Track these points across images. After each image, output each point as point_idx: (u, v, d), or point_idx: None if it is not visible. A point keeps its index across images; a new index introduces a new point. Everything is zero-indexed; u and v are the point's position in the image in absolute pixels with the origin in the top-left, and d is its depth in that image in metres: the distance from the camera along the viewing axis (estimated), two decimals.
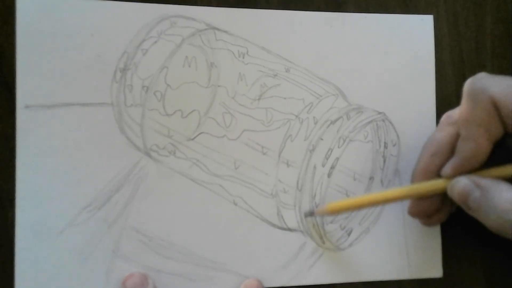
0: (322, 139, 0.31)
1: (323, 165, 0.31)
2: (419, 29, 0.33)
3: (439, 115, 0.33)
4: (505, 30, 0.35)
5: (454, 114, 0.29)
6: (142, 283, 0.28)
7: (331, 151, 0.31)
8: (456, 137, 0.28)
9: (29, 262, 0.28)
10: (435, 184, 0.29)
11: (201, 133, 0.30)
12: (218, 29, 0.31)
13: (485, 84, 0.26)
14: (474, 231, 0.33)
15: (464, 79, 0.34)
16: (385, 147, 0.33)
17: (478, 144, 0.26)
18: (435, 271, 0.33)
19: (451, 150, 0.29)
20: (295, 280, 0.31)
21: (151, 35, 0.30)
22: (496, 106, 0.26)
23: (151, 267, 0.29)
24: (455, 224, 0.33)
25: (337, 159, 0.31)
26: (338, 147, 0.31)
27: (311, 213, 0.30)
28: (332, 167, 0.31)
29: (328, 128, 0.31)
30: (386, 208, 0.32)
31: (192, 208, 0.30)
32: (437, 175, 0.29)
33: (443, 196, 0.29)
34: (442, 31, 0.34)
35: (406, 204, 0.32)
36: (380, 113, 0.32)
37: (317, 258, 0.31)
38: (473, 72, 0.34)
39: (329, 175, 0.31)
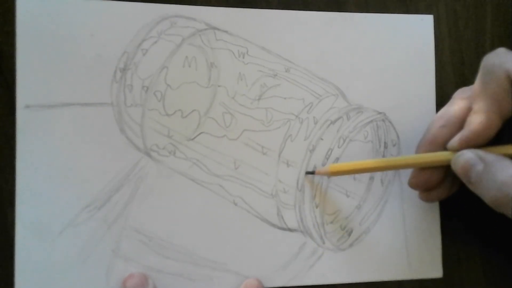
0: (322, 139, 0.31)
1: (323, 165, 0.31)
2: (419, 29, 0.33)
3: None
4: (505, 30, 0.35)
5: (467, 89, 0.29)
6: (142, 283, 0.28)
7: (331, 151, 0.31)
8: (467, 111, 0.28)
9: (29, 262, 0.28)
10: (440, 156, 0.28)
11: (201, 133, 0.30)
12: (218, 29, 0.31)
13: (502, 59, 0.26)
14: (474, 231, 0.33)
15: (464, 79, 0.34)
16: (385, 147, 0.33)
17: (489, 118, 0.26)
18: (435, 271, 0.33)
19: (461, 124, 0.28)
20: (295, 280, 0.31)
21: (151, 35, 0.30)
22: (511, 82, 0.25)
23: (151, 267, 0.29)
24: (455, 224, 0.33)
25: (337, 159, 0.31)
26: (338, 147, 0.31)
27: (312, 172, 0.30)
28: None
29: (328, 128, 0.31)
30: (386, 208, 0.32)
31: (192, 208, 0.30)
32: (444, 148, 0.29)
33: (445, 170, 0.29)
34: (442, 31, 0.34)
35: (407, 204, 0.32)
36: (380, 113, 0.32)
37: (317, 258, 0.31)
38: (473, 72, 0.34)
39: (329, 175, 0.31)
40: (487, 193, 0.26)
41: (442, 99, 0.33)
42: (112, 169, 0.29)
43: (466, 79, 0.34)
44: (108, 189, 0.29)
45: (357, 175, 0.32)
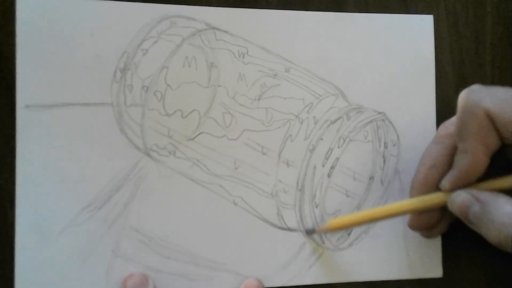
0: (322, 139, 0.31)
1: (323, 165, 0.31)
2: (419, 29, 0.33)
3: (439, 115, 0.33)
4: (505, 30, 0.35)
5: (450, 125, 0.29)
6: (143, 283, 0.28)
7: (331, 151, 0.31)
8: (453, 148, 0.28)
9: (29, 262, 0.28)
10: (435, 198, 0.29)
11: (201, 133, 0.30)
12: (218, 29, 0.31)
13: (479, 97, 0.26)
14: (474, 231, 0.33)
15: (464, 79, 0.34)
16: (385, 147, 0.33)
17: (475, 157, 0.26)
18: (435, 271, 0.33)
19: (449, 162, 0.28)
20: (295, 280, 0.31)
21: (151, 35, 0.30)
22: (491, 119, 0.25)
23: (151, 267, 0.29)
24: (455, 224, 0.33)
25: (337, 159, 0.31)
26: (338, 147, 0.31)
27: (312, 231, 0.31)
28: (332, 167, 0.31)
29: (328, 128, 0.31)
30: None
31: (192, 208, 0.30)
32: (437, 187, 0.29)
33: (443, 209, 0.29)
34: (442, 31, 0.34)
35: None
36: (380, 113, 0.32)
37: (317, 258, 0.31)
38: (473, 72, 0.34)
39: (329, 175, 0.31)
40: (488, 233, 0.26)
41: (442, 99, 0.33)
42: (112, 169, 0.29)
43: (466, 79, 0.34)
44: (108, 189, 0.29)
45: (356, 175, 0.32)
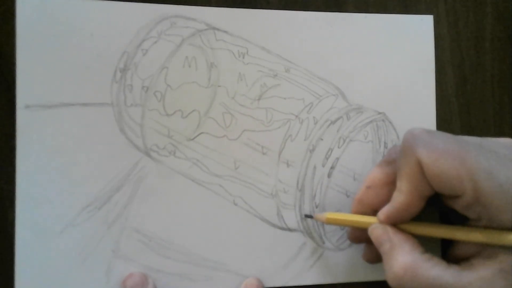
0: (322, 139, 0.31)
1: (323, 165, 0.31)
2: (419, 29, 0.33)
3: (439, 115, 0.33)
4: (505, 30, 0.35)
5: (396, 152, 0.29)
6: (142, 282, 0.28)
7: (331, 151, 0.31)
8: (392, 176, 0.28)
9: (29, 262, 0.28)
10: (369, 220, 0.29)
11: (201, 133, 0.30)
12: (218, 29, 0.31)
13: (414, 143, 0.25)
14: None
15: (464, 79, 0.34)
16: (385, 147, 0.33)
17: (408, 199, 0.26)
18: None
19: (384, 187, 0.28)
20: (295, 280, 0.31)
21: (151, 35, 0.30)
22: (421, 168, 0.25)
23: (151, 267, 0.29)
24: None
25: (337, 159, 0.31)
26: (338, 147, 0.31)
27: (310, 216, 0.31)
28: (332, 167, 0.31)
29: (328, 128, 0.31)
30: None
31: (192, 208, 0.30)
32: (371, 208, 0.29)
33: None
34: (442, 31, 0.34)
35: None
36: (380, 113, 0.32)
37: (317, 258, 0.31)
38: (473, 72, 0.34)
39: (329, 175, 0.31)
40: (387, 274, 0.26)
41: (442, 99, 0.33)
42: (112, 169, 0.29)
43: (466, 79, 0.34)
44: (108, 189, 0.29)
45: (356, 175, 0.32)
